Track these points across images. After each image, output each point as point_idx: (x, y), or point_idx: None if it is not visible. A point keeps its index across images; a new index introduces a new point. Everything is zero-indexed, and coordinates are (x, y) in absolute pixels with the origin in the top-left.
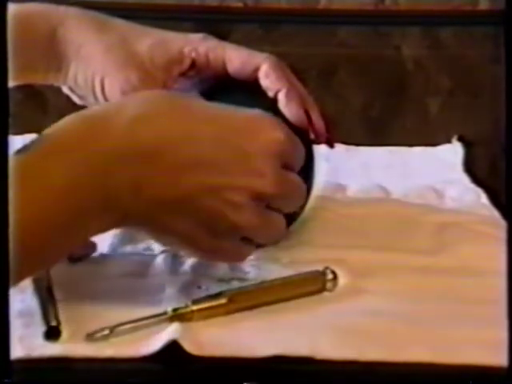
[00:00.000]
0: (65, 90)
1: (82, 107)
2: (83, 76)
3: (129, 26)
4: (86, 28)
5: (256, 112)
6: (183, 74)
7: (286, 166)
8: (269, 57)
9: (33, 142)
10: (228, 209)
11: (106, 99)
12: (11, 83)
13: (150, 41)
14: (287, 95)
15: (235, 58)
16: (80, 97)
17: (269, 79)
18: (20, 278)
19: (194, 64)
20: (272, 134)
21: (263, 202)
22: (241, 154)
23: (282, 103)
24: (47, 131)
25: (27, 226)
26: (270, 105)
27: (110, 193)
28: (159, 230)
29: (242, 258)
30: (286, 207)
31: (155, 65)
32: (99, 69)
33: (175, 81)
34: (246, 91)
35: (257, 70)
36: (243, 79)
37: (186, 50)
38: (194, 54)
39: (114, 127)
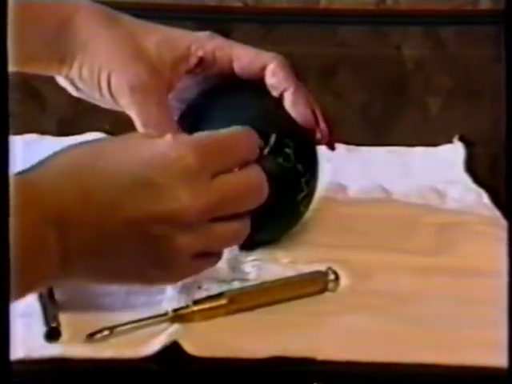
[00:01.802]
0: (61, 81)
1: (82, 108)
2: (89, 69)
3: (136, 22)
4: (95, 22)
5: (157, 144)
6: (189, 72)
7: (219, 172)
8: (276, 56)
9: None
10: (160, 242)
11: (111, 93)
12: (11, 67)
13: (158, 37)
14: (294, 94)
15: (242, 56)
16: (78, 89)
17: (275, 78)
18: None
19: (200, 62)
20: (174, 156)
21: (192, 223)
22: (152, 186)
23: (289, 102)
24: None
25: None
26: (275, 104)
27: (48, 252)
28: (97, 279)
29: (207, 267)
30: (237, 209)
31: (162, 61)
32: (106, 63)
33: (181, 78)
34: (250, 90)
35: (263, 68)
36: (249, 78)
37: (193, 47)
38: (201, 52)
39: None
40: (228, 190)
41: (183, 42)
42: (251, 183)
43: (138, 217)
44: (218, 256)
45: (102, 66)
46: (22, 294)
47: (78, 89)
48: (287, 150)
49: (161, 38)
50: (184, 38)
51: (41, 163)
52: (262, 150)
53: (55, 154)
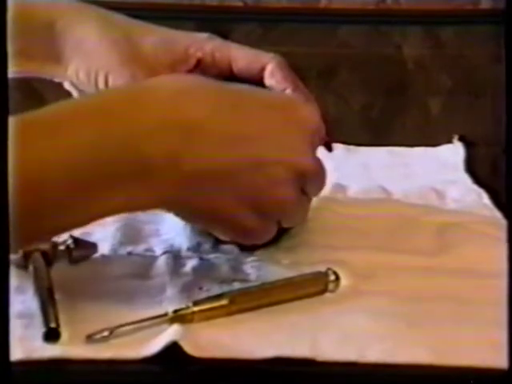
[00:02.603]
0: (66, 85)
1: None
2: (86, 71)
3: (132, 22)
4: (88, 22)
5: (288, 94)
6: (188, 74)
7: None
8: (275, 56)
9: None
10: (272, 184)
11: None
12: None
13: (155, 38)
14: (293, 95)
15: (241, 57)
16: (81, 92)
17: (274, 78)
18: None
19: (199, 63)
20: (309, 113)
21: (303, 180)
22: (284, 131)
23: None
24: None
25: (48, 181)
26: None
27: (144, 159)
28: (197, 208)
29: (268, 236)
30: (314, 191)
31: (160, 63)
32: (103, 64)
33: None
34: None
35: (262, 69)
36: (248, 79)
37: (192, 49)
38: (199, 53)
39: (157, 98)
40: (323, 168)
41: (181, 43)
42: (326, 172)
43: (266, 156)
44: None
45: (98, 68)
46: (108, 207)
47: (80, 92)
48: None
49: (158, 39)
50: (182, 39)
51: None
52: None
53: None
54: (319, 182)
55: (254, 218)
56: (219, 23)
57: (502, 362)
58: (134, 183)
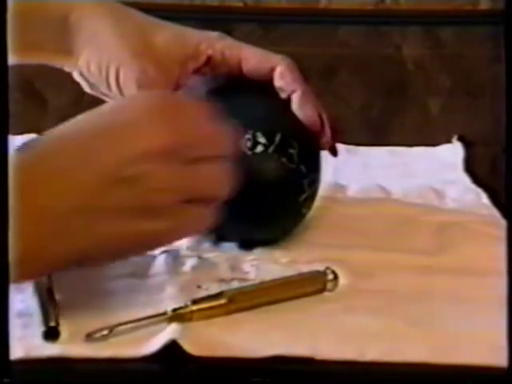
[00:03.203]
0: (76, 76)
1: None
2: (97, 63)
3: (145, 17)
4: (101, 16)
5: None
6: (198, 70)
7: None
8: (284, 58)
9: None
10: (141, 183)
11: (119, 88)
12: (18, 60)
13: (168, 34)
14: (302, 97)
15: (251, 57)
16: (91, 84)
17: (284, 80)
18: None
19: (209, 61)
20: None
21: (178, 153)
22: (120, 124)
23: (297, 104)
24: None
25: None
26: (282, 105)
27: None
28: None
29: (206, 222)
30: (208, 152)
31: (171, 58)
32: (115, 57)
33: (189, 76)
34: (258, 91)
35: (272, 70)
36: (257, 79)
37: (203, 46)
38: (210, 51)
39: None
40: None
41: (193, 40)
42: (215, 175)
43: (111, 163)
44: (208, 206)
45: (110, 60)
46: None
47: (90, 84)
48: (291, 151)
49: (171, 35)
50: (194, 36)
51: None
52: (266, 148)
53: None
54: (203, 144)
55: (155, 224)
56: (219, 23)
57: (501, 361)
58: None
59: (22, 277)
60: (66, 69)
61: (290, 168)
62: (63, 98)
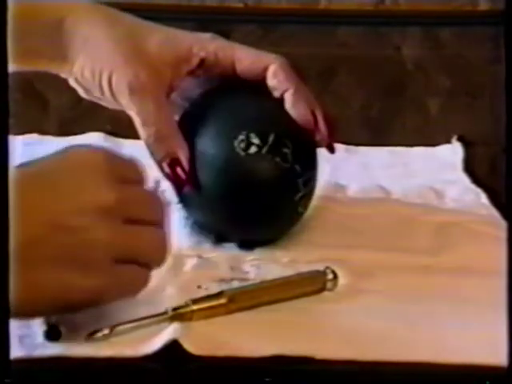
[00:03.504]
0: (71, 82)
1: (83, 108)
2: (90, 69)
3: (137, 21)
4: (95, 21)
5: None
6: (191, 73)
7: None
8: (277, 57)
9: None
10: (78, 234)
11: (112, 94)
12: (13, 67)
13: (159, 37)
14: (294, 95)
15: (244, 57)
16: (86, 90)
17: (277, 79)
18: None
19: (202, 63)
20: (82, 154)
21: (117, 213)
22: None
23: (290, 103)
24: None
25: None
26: (275, 105)
27: None
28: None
29: (140, 285)
30: (148, 217)
31: (164, 62)
32: (107, 63)
33: (182, 79)
34: (251, 91)
35: (265, 70)
36: (250, 79)
37: (196, 48)
38: (203, 53)
39: None
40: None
41: (185, 42)
42: (154, 239)
43: (56, 210)
44: (142, 272)
45: (103, 66)
46: None
47: (86, 90)
48: (285, 150)
49: (162, 38)
50: (186, 38)
51: None
52: (260, 148)
53: None
54: (144, 207)
55: (81, 276)
56: (219, 24)
57: (501, 360)
58: None
59: None
60: (63, 75)
61: (284, 167)
62: (64, 98)
